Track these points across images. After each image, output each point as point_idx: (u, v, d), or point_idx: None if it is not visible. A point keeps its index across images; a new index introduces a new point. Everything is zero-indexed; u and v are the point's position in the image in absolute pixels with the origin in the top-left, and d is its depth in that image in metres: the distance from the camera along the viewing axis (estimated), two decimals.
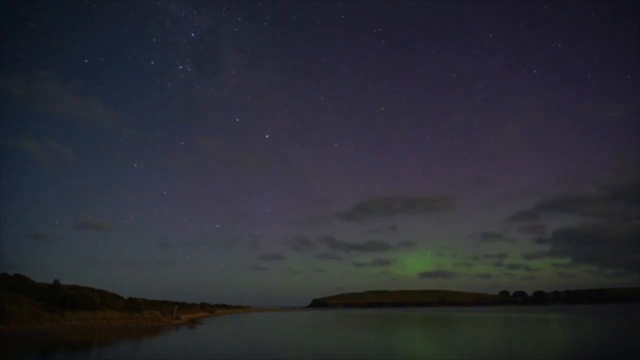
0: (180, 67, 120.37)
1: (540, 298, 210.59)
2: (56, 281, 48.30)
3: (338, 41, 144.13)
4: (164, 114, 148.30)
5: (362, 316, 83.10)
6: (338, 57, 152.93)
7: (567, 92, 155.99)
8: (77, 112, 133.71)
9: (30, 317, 36.30)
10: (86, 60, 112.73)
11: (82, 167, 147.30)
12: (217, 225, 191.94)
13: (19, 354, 21.80)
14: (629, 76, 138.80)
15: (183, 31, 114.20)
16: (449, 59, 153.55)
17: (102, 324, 41.20)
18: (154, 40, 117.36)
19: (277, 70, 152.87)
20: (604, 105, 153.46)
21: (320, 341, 28.51)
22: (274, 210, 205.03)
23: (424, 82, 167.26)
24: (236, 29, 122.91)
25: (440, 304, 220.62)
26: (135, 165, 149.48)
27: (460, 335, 32.50)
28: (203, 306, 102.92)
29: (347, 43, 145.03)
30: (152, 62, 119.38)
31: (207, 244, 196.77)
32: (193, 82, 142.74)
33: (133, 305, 53.68)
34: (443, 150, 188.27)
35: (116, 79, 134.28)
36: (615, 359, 18.74)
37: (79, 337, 29.85)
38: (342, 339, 29.27)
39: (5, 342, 26.09)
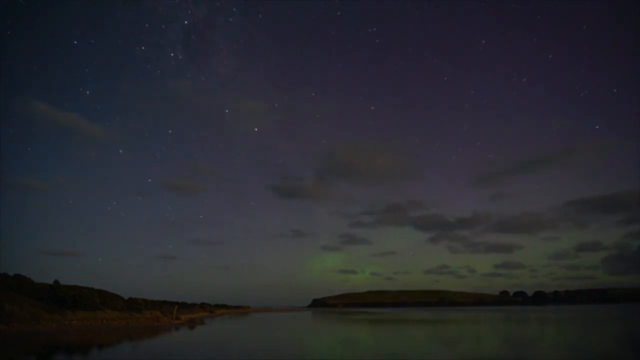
0: (172, 55, 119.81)
1: (540, 298, 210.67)
2: (56, 281, 48.25)
3: (332, 38, 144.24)
4: (151, 101, 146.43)
5: (364, 317, 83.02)
6: (331, 54, 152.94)
7: (554, 102, 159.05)
8: (63, 94, 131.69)
9: (30, 317, 36.24)
10: (75, 42, 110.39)
11: None
12: (201, 216, 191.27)
13: (19, 354, 21.75)
14: (615, 90, 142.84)
15: (176, 18, 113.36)
16: (441, 62, 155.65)
17: (102, 324, 41.17)
18: (146, 25, 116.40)
19: (269, 64, 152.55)
20: (589, 117, 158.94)
21: (319, 341, 28.48)
22: (259, 204, 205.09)
23: (416, 85, 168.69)
24: (230, 20, 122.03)
25: (441, 304, 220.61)
26: (120, 152, 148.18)
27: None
28: (203, 306, 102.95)
29: (341, 40, 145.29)
30: (143, 48, 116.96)
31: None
32: (183, 70, 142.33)
33: (133, 305, 53.67)
34: (431, 153, 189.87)
35: (104, 63, 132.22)
36: None
37: (79, 338, 29.83)
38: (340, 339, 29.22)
39: (6, 343, 26.06)
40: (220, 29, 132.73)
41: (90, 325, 39.57)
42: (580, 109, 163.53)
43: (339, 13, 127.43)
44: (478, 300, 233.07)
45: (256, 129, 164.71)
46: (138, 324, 46.01)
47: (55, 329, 35.08)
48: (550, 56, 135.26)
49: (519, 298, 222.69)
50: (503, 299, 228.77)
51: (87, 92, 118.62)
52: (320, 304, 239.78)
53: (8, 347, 24.33)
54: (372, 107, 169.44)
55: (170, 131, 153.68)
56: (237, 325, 53.54)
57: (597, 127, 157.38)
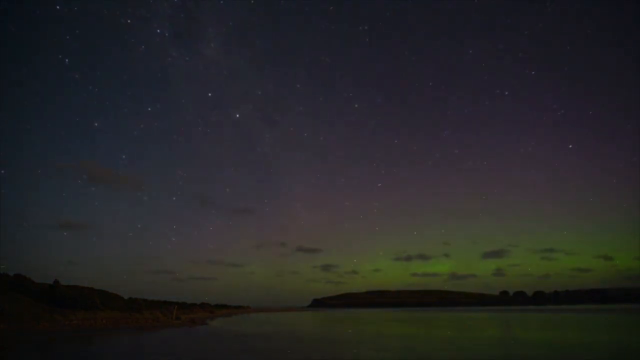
0: (158, 31, 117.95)
1: (540, 298, 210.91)
2: (56, 281, 48.19)
3: (322, 32, 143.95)
4: (133, 76, 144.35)
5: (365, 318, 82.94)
6: (320, 48, 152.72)
7: (532, 119, 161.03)
8: (41, 60, 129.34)
9: (30, 317, 36.14)
10: (58, 7, 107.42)
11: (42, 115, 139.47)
12: (174, 198, 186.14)
13: (19, 354, 21.65)
14: (590, 112, 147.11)
15: None
16: (427, 67, 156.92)
17: (102, 325, 41.06)
18: None
19: (256, 51, 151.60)
20: (564, 136, 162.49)
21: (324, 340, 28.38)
22: (232, 192, 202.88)
23: (400, 87, 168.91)
24: (221, 2, 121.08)
25: (441, 304, 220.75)
26: (95, 125, 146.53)
27: None
28: (203, 306, 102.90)
29: (331, 36, 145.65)
30: (129, 21, 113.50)
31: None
32: (168, 48, 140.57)
33: (133, 305, 53.59)
34: (407, 155, 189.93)
35: (87, 32, 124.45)
36: None
37: (79, 338, 29.71)
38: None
39: (5, 343, 25.95)
40: (210, 10, 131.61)
41: (91, 325, 39.45)
42: (557, 127, 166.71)
43: (331, 7, 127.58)
44: (478, 300, 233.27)
45: (237, 115, 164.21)
46: (138, 324, 45.89)
47: (55, 329, 34.96)
48: (532, 72, 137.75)
49: (519, 298, 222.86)
50: (503, 299, 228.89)
51: (66, 60, 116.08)
52: (320, 304, 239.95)
53: (7, 347, 24.22)
54: (356, 105, 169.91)
55: (149, 109, 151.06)
56: (238, 326, 53.43)
57: (570, 146, 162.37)
